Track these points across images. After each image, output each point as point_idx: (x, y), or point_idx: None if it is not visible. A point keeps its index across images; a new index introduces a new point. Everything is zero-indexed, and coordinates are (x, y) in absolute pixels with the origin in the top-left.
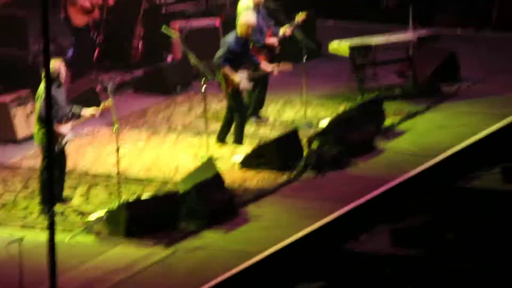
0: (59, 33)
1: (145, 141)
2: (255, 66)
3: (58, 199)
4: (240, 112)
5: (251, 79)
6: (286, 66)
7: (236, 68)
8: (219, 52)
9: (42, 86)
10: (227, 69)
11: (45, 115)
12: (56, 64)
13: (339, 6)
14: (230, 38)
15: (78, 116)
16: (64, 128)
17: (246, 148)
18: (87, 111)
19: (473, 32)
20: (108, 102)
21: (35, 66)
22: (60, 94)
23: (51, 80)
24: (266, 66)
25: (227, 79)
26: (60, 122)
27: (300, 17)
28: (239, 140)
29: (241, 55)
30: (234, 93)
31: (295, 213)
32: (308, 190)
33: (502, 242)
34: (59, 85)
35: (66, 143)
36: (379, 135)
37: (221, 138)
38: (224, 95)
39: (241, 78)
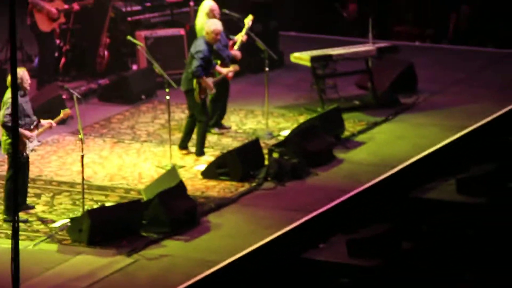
0: (26, 41)
1: (109, 150)
2: (213, 69)
3: (22, 207)
4: (205, 121)
5: (215, 84)
6: (235, 68)
7: (207, 75)
8: (195, 63)
9: (7, 95)
10: (204, 79)
11: (11, 123)
12: (20, 72)
13: (300, 18)
14: (201, 47)
15: (38, 125)
16: (31, 135)
17: (208, 158)
18: (44, 121)
19: (430, 44)
20: (65, 112)
21: (2, 74)
22: (25, 102)
23: (15, 87)
24: (220, 69)
25: (201, 87)
26: (28, 129)
27: (248, 20)
28: (201, 151)
29: (211, 62)
30: (203, 101)
31: (255, 222)
32: (268, 199)
33: (456, 251)
34: (24, 94)
35: (31, 151)
36: (339, 145)
37: (184, 146)
38: (187, 105)
39: (210, 83)
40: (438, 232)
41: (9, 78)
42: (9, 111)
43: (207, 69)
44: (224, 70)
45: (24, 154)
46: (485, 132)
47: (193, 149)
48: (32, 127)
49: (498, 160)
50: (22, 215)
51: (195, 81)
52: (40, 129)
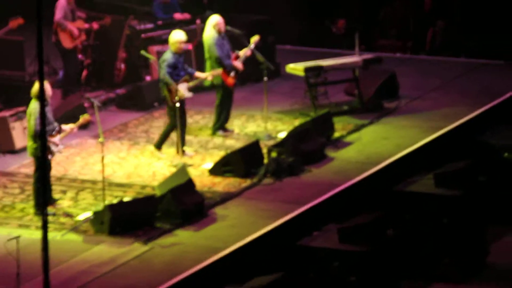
0: (51, 56)
1: (127, 151)
2: (191, 76)
3: (48, 201)
4: (173, 124)
5: (190, 89)
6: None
7: (176, 80)
8: (162, 71)
9: (31, 105)
10: (171, 84)
11: (40, 130)
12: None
13: (295, 33)
14: (166, 56)
15: (60, 130)
16: (56, 139)
17: (162, 155)
18: (66, 126)
19: (410, 56)
20: (84, 117)
21: (31, 86)
22: (48, 111)
23: (40, 98)
24: (200, 74)
25: (171, 92)
26: (50, 135)
27: (254, 39)
28: (159, 146)
29: (178, 69)
30: (174, 105)
31: (256, 214)
32: (268, 193)
33: (434, 237)
34: (46, 104)
35: (56, 152)
36: (329, 145)
37: (178, 150)
38: (167, 110)
39: (183, 89)
40: (419, 220)
41: (33, 89)
42: (38, 120)
43: (174, 74)
44: (202, 75)
45: (49, 157)
46: (459, 133)
47: (187, 149)
48: (54, 132)
49: (470, 157)
50: (50, 209)
51: (164, 88)
52: (62, 134)
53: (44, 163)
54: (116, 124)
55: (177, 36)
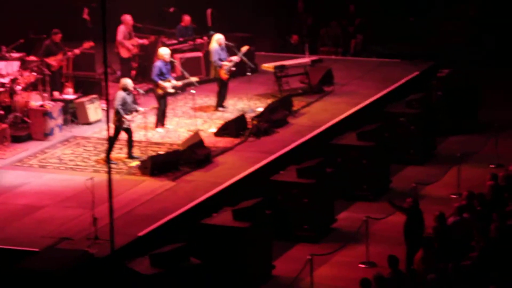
0: (112, 62)
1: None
2: (167, 79)
3: (130, 156)
4: (160, 108)
5: (172, 87)
6: (178, 84)
7: (162, 79)
8: (153, 74)
9: (117, 94)
10: (159, 82)
11: (115, 110)
12: (126, 81)
13: (267, 44)
14: (157, 64)
15: (136, 111)
16: (128, 117)
17: (162, 130)
18: (142, 108)
19: (340, 57)
20: (153, 105)
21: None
22: (128, 97)
23: (124, 90)
24: (177, 82)
25: (157, 87)
26: (127, 113)
27: (243, 48)
28: (157, 125)
29: (165, 73)
30: (161, 95)
31: (244, 160)
32: (251, 147)
33: (356, 173)
34: (128, 93)
35: (126, 123)
36: (290, 115)
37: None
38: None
39: (167, 86)
40: (347, 162)
41: (120, 83)
42: (118, 103)
43: (162, 76)
44: (179, 83)
45: (124, 125)
46: (372, 106)
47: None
48: (128, 112)
49: (379, 122)
50: (121, 159)
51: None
52: (138, 113)
53: (115, 131)
54: (154, 106)
55: (163, 51)
